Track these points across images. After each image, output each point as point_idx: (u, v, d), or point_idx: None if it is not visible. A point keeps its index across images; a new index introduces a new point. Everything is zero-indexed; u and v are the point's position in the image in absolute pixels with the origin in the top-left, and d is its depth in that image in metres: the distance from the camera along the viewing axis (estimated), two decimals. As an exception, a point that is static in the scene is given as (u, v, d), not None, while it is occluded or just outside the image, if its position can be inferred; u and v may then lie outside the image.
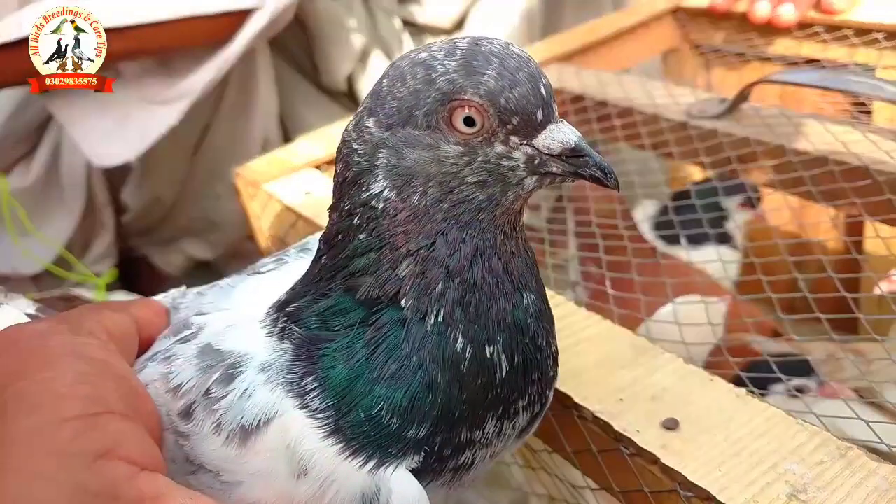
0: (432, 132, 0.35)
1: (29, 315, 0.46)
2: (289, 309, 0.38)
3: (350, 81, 1.37)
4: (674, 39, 1.01)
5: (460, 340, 0.36)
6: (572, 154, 0.35)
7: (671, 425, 0.44)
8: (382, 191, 0.36)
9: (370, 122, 0.36)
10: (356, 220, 0.36)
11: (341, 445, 0.35)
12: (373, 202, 0.36)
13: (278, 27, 1.09)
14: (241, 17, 1.03)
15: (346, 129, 0.38)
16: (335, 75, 1.34)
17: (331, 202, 0.39)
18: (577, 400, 0.46)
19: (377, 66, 1.35)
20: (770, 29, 0.89)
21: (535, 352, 0.38)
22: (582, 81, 0.86)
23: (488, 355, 0.36)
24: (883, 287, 0.72)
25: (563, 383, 0.47)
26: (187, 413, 0.36)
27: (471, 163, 0.35)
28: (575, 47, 0.95)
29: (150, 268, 1.25)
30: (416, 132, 0.35)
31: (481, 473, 0.40)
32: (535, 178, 0.36)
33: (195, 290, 0.47)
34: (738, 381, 0.59)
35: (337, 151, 0.38)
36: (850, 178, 0.64)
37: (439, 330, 0.36)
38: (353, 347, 0.36)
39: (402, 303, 0.36)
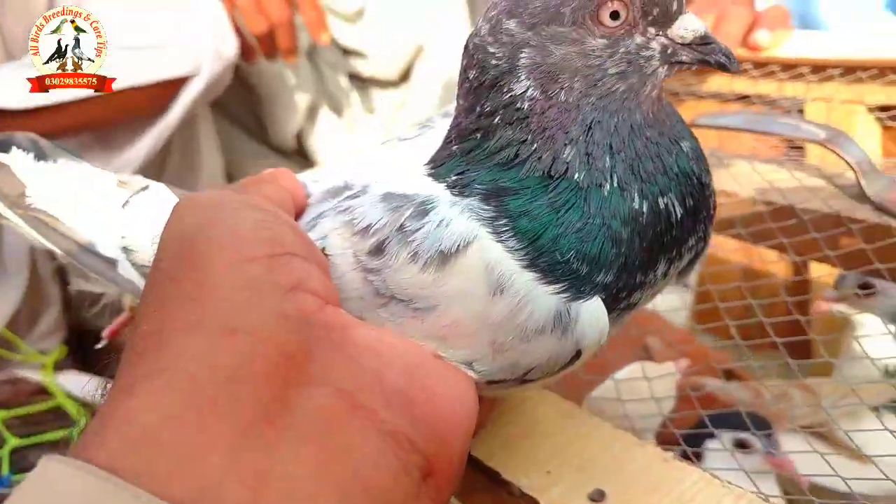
0: (578, 27, 0.36)
1: None
2: (453, 174, 0.39)
3: (299, 138, 1.36)
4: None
5: (637, 198, 0.37)
6: (702, 42, 0.38)
7: (597, 497, 0.43)
8: (526, 90, 0.37)
9: (511, 24, 0.37)
10: (497, 119, 0.38)
11: (538, 275, 0.36)
12: (517, 103, 0.37)
13: (217, 91, 1.09)
14: (177, 84, 1.03)
15: (474, 36, 0.39)
16: (283, 134, 1.34)
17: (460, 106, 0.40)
18: (505, 476, 0.45)
19: (326, 121, 1.35)
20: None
21: (702, 191, 0.40)
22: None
23: (662, 206, 0.38)
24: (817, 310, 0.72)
25: (492, 457, 0.46)
26: (379, 249, 0.37)
27: (613, 55, 0.37)
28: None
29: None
30: (562, 29, 0.36)
31: (639, 309, 0.43)
32: (666, 68, 0.38)
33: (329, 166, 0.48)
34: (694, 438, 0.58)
35: (467, 58, 0.39)
36: (777, 219, 0.64)
37: (616, 193, 0.37)
38: (537, 203, 0.37)
39: (575, 177, 0.37)
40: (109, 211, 0.48)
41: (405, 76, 1.36)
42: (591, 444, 0.46)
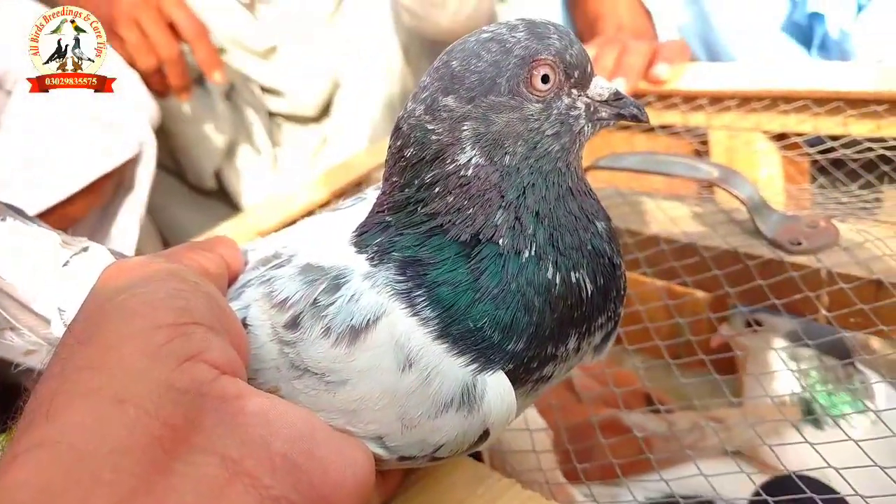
0: (514, 96, 0.38)
1: None
2: (376, 241, 0.41)
3: (218, 178, 1.34)
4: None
5: (551, 269, 0.39)
6: (616, 98, 0.41)
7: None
8: (471, 159, 0.39)
9: (449, 100, 0.39)
10: (437, 189, 0.39)
11: (447, 346, 0.38)
12: (461, 171, 0.39)
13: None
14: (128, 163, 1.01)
15: (408, 118, 0.40)
16: (201, 173, 1.32)
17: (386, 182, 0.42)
18: (415, 547, 0.45)
19: (246, 159, 1.34)
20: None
21: (613, 271, 0.42)
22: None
23: (574, 280, 0.40)
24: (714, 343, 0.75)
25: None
26: (294, 323, 0.39)
27: (549, 116, 0.39)
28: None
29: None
30: (500, 98, 0.38)
31: (554, 385, 0.44)
32: (590, 125, 0.41)
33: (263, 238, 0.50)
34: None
35: (402, 139, 0.40)
36: (679, 257, 0.65)
37: (533, 261, 0.39)
38: (456, 272, 0.39)
39: (499, 243, 0.39)
40: (49, 271, 0.48)
41: (325, 111, 1.36)
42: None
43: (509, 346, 0.39)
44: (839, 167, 0.80)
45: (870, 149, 0.73)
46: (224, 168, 1.33)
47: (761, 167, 0.85)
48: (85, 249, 0.49)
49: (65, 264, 0.48)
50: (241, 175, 1.34)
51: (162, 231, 1.32)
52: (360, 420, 0.38)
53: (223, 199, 1.37)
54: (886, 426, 0.51)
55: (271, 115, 1.35)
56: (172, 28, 1.06)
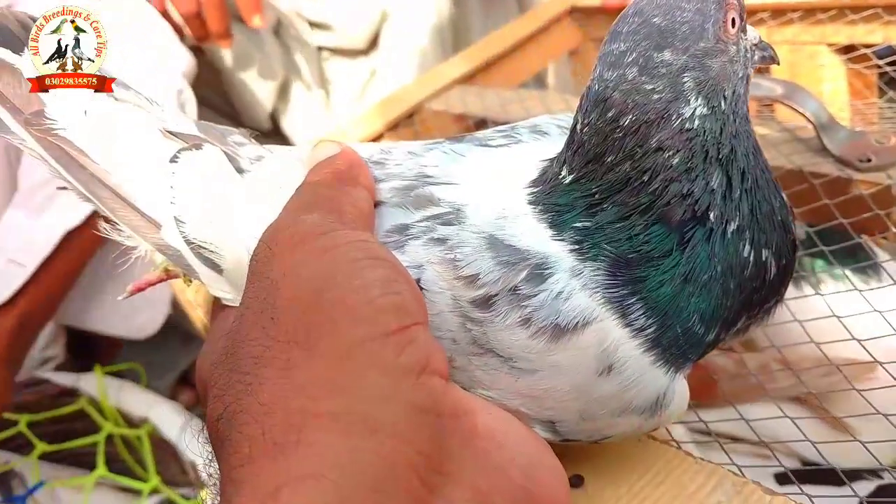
0: (717, 41, 0.38)
1: None
2: (578, 226, 0.38)
3: (274, 118, 1.36)
4: (575, 40, 1.01)
5: (747, 246, 0.39)
6: (759, 42, 0.42)
7: (576, 482, 0.44)
8: (695, 109, 0.38)
9: (666, 55, 0.38)
10: (666, 152, 0.37)
11: (655, 356, 0.37)
12: (687, 125, 0.38)
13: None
14: None
15: (614, 86, 0.38)
16: (256, 115, 1.33)
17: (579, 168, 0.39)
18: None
19: (299, 97, 1.35)
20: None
21: (793, 252, 0.41)
22: (485, 104, 0.86)
23: (763, 258, 0.39)
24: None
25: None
26: (485, 303, 0.37)
27: (740, 59, 0.40)
28: (480, 63, 0.95)
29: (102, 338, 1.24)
30: (708, 45, 0.38)
31: None
32: (749, 69, 0.41)
33: (399, 145, 0.46)
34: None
35: (612, 108, 0.38)
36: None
37: (734, 237, 0.39)
38: (676, 268, 0.38)
39: (710, 216, 0.38)
40: (154, 162, 0.44)
41: (373, 44, 1.35)
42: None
43: (708, 338, 0.39)
44: (910, 79, 0.77)
45: (944, 56, 0.70)
46: (279, 108, 1.34)
47: (825, 82, 0.82)
48: (197, 146, 0.44)
49: (173, 159, 0.44)
50: (294, 114, 1.35)
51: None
52: (538, 405, 0.37)
53: (279, 141, 1.39)
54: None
55: (320, 50, 1.35)
56: None
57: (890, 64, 0.75)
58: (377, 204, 0.41)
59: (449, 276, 0.37)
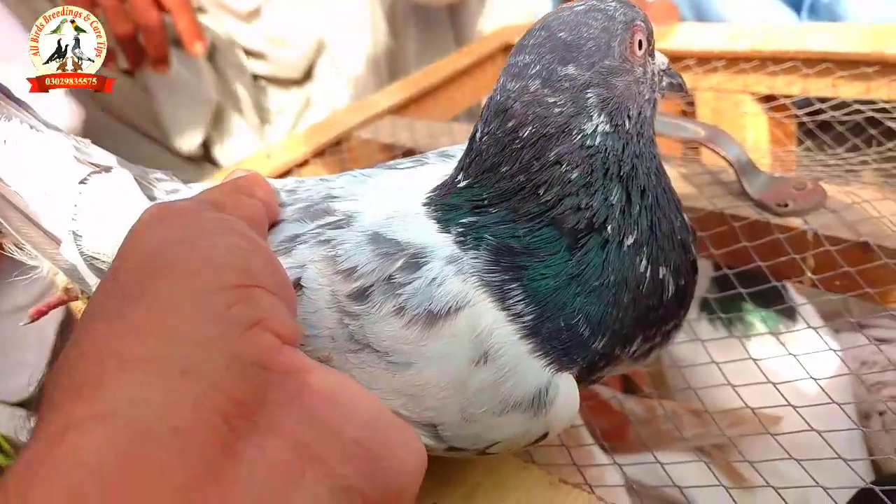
0: (623, 60, 0.38)
1: None
2: (464, 221, 0.38)
3: (206, 145, 1.32)
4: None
5: (644, 262, 0.39)
6: (668, 68, 0.43)
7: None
8: (597, 126, 0.38)
9: (570, 69, 0.37)
10: (563, 166, 0.37)
11: (533, 345, 0.36)
12: (588, 141, 0.37)
13: None
14: None
15: (520, 95, 0.38)
16: (188, 141, 1.29)
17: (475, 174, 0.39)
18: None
19: (234, 124, 1.31)
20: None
21: (692, 275, 0.41)
22: (414, 135, 0.85)
23: (661, 276, 0.39)
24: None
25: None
26: (361, 295, 0.36)
27: (646, 81, 0.40)
28: (413, 94, 0.95)
29: None
30: (614, 63, 0.38)
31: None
32: (656, 93, 0.42)
33: (311, 178, 0.46)
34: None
35: (511, 119, 0.38)
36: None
37: (632, 251, 0.38)
38: (564, 266, 0.37)
39: (608, 228, 0.38)
40: (62, 184, 0.44)
41: (308, 74, 1.34)
42: (477, 469, 0.46)
43: (594, 344, 0.38)
44: (826, 130, 0.79)
45: (858, 111, 0.72)
46: (212, 135, 1.31)
47: (748, 129, 0.84)
48: (108, 170, 0.45)
49: (82, 181, 0.44)
50: (228, 141, 1.31)
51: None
52: (418, 405, 0.36)
53: (211, 168, 1.35)
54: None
55: (255, 78, 1.33)
56: None
57: (808, 115, 0.77)
58: (279, 222, 0.41)
59: (328, 271, 0.37)
